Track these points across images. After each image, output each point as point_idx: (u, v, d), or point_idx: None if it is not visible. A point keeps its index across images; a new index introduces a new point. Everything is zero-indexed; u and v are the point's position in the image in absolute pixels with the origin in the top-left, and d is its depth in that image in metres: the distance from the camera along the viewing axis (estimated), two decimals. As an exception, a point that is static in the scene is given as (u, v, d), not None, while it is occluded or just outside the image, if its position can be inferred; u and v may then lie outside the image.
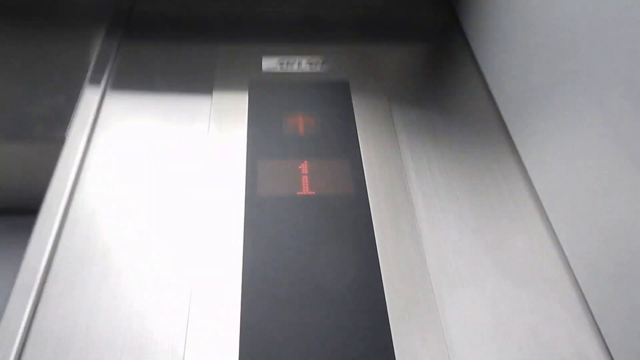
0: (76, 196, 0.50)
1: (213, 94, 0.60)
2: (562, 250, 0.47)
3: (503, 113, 0.58)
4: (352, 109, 0.59)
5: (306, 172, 0.52)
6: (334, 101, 0.60)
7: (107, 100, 0.59)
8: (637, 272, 0.38)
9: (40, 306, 0.43)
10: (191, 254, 0.46)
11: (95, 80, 0.61)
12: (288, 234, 0.48)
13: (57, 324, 0.42)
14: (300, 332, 0.42)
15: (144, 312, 0.43)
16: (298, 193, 0.51)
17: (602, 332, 0.42)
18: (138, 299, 0.43)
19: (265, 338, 0.41)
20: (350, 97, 0.61)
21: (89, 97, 0.59)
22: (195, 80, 0.62)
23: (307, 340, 0.41)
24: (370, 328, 0.42)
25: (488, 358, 0.41)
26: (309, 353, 0.41)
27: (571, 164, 0.45)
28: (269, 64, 0.64)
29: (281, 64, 0.64)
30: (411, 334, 0.42)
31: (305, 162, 0.53)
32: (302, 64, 0.64)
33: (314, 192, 0.51)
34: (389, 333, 0.42)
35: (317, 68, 0.64)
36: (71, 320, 0.42)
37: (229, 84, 0.62)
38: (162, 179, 0.52)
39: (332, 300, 0.43)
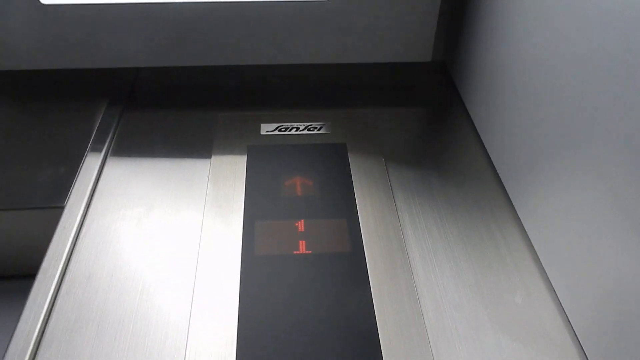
0: (73, 261, 0.50)
1: (212, 159, 0.62)
2: (561, 305, 0.46)
3: (500, 174, 0.59)
4: (350, 171, 0.60)
5: (303, 231, 0.53)
6: (331, 163, 0.61)
7: (107, 168, 0.61)
8: (636, 328, 0.37)
9: (32, 371, 0.42)
10: (187, 316, 0.46)
11: (97, 149, 0.63)
12: (284, 292, 0.47)
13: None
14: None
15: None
16: (295, 252, 0.51)
17: None
18: (132, 363, 0.43)
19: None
20: (348, 159, 0.62)
21: (90, 165, 0.61)
22: (194, 146, 0.64)
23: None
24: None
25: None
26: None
27: (568, 223, 0.45)
28: (268, 129, 0.66)
29: (280, 129, 0.66)
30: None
31: (302, 221, 0.53)
32: (300, 129, 0.66)
33: (310, 251, 0.51)
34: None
35: (315, 132, 0.66)
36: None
37: (228, 149, 0.63)
38: (159, 242, 0.52)
39: (328, 357, 0.43)
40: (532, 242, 0.52)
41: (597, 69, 0.40)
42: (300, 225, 0.53)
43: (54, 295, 0.47)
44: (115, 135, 0.65)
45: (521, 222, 0.54)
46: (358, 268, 0.49)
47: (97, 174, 0.59)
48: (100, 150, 0.63)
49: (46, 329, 0.45)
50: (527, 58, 0.51)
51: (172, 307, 0.47)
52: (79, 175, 0.59)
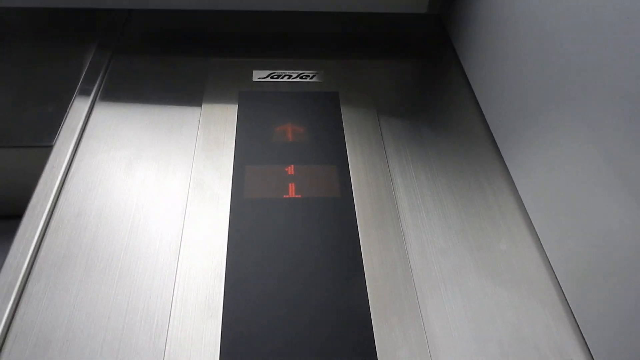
0: (62, 199, 0.50)
1: (203, 105, 0.61)
2: (545, 253, 0.47)
3: (491, 126, 0.59)
4: (341, 119, 0.60)
5: (293, 176, 0.53)
6: (323, 111, 0.61)
7: (96, 110, 0.60)
8: (615, 273, 0.38)
9: (21, 302, 0.42)
10: (174, 254, 0.46)
11: (86, 91, 0.62)
12: (272, 234, 0.48)
13: (38, 318, 0.42)
14: (283, 329, 0.41)
15: (125, 308, 0.42)
16: (284, 196, 0.51)
17: (581, 329, 0.42)
18: (120, 297, 0.43)
19: (248, 335, 0.41)
20: (340, 108, 0.61)
21: (79, 106, 0.60)
22: (185, 92, 0.63)
23: (289, 337, 0.41)
24: (353, 325, 0.42)
25: (469, 352, 0.41)
26: (291, 348, 0.40)
27: (555, 172, 0.45)
28: (260, 76, 0.65)
29: (272, 76, 0.65)
30: (392, 330, 0.42)
31: (292, 166, 0.54)
32: (292, 77, 0.65)
33: (300, 196, 0.51)
34: (371, 330, 0.41)
35: (308, 80, 0.65)
36: (52, 315, 0.42)
37: (219, 96, 0.62)
38: (148, 183, 0.52)
39: (316, 298, 0.43)
40: (519, 191, 0.52)
41: (590, 24, 0.39)
42: (290, 170, 0.53)
43: (42, 232, 0.47)
44: (105, 79, 0.65)
45: (509, 173, 0.54)
46: (347, 213, 0.50)
47: (86, 116, 0.59)
48: (89, 93, 0.62)
49: (35, 263, 0.45)
50: (522, 13, 0.51)
51: (160, 246, 0.47)
52: (68, 116, 0.59)
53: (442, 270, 0.46)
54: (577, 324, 0.43)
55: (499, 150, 0.57)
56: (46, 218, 0.48)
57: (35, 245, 0.46)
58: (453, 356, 0.41)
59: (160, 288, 0.44)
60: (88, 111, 0.59)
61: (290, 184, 0.52)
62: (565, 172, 0.44)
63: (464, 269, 0.46)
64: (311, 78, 0.65)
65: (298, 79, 0.65)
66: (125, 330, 0.41)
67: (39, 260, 0.45)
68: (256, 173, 0.53)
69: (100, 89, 0.63)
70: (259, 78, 0.65)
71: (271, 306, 0.43)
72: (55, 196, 0.50)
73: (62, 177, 0.52)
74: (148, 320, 0.42)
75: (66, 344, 0.40)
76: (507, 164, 0.55)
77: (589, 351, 0.41)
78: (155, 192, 0.51)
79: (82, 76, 0.64)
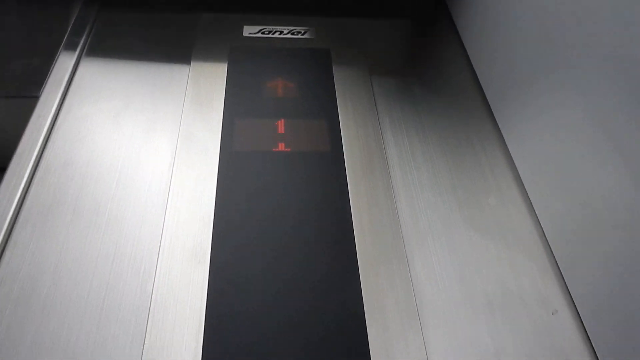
0: (48, 149, 0.49)
1: (192, 60, 0.60)
2: (533, 207, 0.47)
3: (483, 83, 0.59)
4: (332, 75, 0.59)
5: (283, 130, 0.52)
6: (314, 67, 0.60)
7: (83, 63, 0.59)
8: (601, 228, 0.38)
9: (7, 249, 0.42)
10: (162, 204, 0.46)
11: (72, 44, 0.61)
12: (261, 187, 0.47)
13: (24, 264, 0.41)
14: (270, 276, 0.42)
15: (112, 255, 0.42)
16: (274, 149, 0.51)
17: (566, 282, 0.43)
18: (107, 244, 0.43)
19: (235, 281, 0.41)
20: (331, 65, 0.61)
21: (65, 59, 0.59)
22: (174, 47, 0.62)
23: (276, 283, 0.41)
24: (340, 276, 0.42)
25: (455, 303, 0.41)
26: (279, 293, 0.40)
27: (547, 131, 0.45)
28: (251, 31, 0.64)
29: (263, 32, 0.64)
30: (379, 280, 0.42)
31: (282, 120, 0.53)
32: (284, 33, 0.65)
33: (289, 149, 0.51)
34: (358, 281, 0.42)
35: (299, 37, 0.64)
36: (39, 262, 0.42)
37: (209, 51, 0.61)
38: (136, 133, 0.52)
39: (303, 247, 0.43)
40: (509, 150, 0.52)
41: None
42: (280, 124, 0.53)
43: (28, 180, 0.47)
44: (92, 33, 0.63)
45: (501, 132, 0.54)
46: (336, 167, 0.49)
47: (72, 68, 0.58)
48: (76, 46, 0.61)
49: (20, 211, 0.45)
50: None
51: (148, 196, 0.47)
52: (54, 68, 0.58)
53: (430, 224, 0.46)
54: (562, 276, 0.43)
55: (492, 110, 0.56)
56: (32, 167, 0.48)
57: (21, 194, 0.46)
58: (439, 306, 0.41)
59: (148, 236, 0.44)
60: (75, 64, 0.58)
61: (280, 138, 0.51)
62: (557, 132, 0.44)
63: (452, 222, 0.46)
64: (303, 34, 0.65)
65: (289, 35, 0.64)
66: (113, 276, 0.41)
67: (25, 208, 0.45)
68: (246, 126, 0.52)
69: (87, 43, 0.61)
70: (250, 33, 0.64)
71: (259, 254, 0.43)
72: (41, 146, 0.49)
73: (49, 127, 0.51)
74: (135, 266, 0.42)
75: (53, 287, 0.40)
76: (499, 124, 0.55)
77: (574, 303, 0.42)
78: (143, 144, 0.51)
79: (69, 29, 0.63)
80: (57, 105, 0.53)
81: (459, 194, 0.48)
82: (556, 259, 0.44)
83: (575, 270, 0.42)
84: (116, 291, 0.40)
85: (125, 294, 0.40)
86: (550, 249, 0.45)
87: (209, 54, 0.61)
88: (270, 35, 0.64)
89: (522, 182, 0.50)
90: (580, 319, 0.41)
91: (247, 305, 0.40)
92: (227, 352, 0.38)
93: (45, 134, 0.50)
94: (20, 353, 0.37)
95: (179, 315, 0.39)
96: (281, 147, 0.51)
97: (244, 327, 0.39)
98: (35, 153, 0.48)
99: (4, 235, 0.43)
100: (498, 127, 0.55)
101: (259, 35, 0.64)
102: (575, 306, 0.41)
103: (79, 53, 0.60)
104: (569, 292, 0.42)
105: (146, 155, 0.50)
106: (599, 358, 0.39)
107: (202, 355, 0.37)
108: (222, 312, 0.40)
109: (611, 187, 0.37)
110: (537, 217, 0.47)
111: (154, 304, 0.39)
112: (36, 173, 0.47)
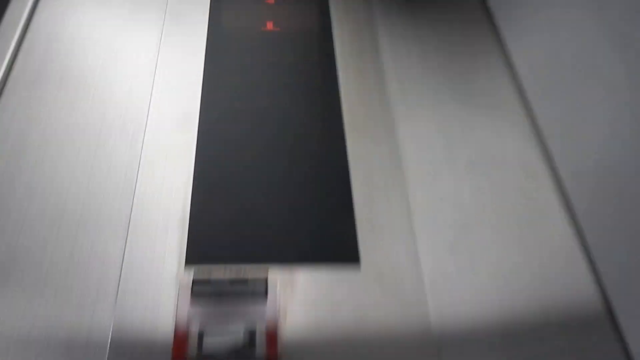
0: (33, 24, 0.49)
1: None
2: (521, 81, 0.47)
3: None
4: None
5: (272, 7, 0.52)
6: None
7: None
8: (585, 97, 0.39)
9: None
10: (150, 74, 0.46)
11: None
12: (249, 67, 0.47)
13: (12, 128, 0.42)
14: (259, 140, 0.42)
15: (100, 120, 0.42)
16: (263, 29, 0.50)
17: (548, 146, 0.43)
18: (95, 110, 0.43)
19: (222, 146, 0.42)
20: None
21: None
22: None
23: (264, 148, 0.42)
24: (326, 140, 0.43)
25: (439, 165, 0.42)
26: (264, 155, 0.41)
27: (548, 28, 0.45)
28: None
29: None
30: (366, 146, 0.43)
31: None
32: None
33: (279, 29, 0.50)
34: (344, 141, 0.43)
35: None
36: (26, 126, 0.42)
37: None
38: (123, 13, 0.50)
39: (290, 116, 0.44)
40: (501, 30, 0.52)
41: None
42: (270, 1, 0.52)
43: (14, 53, 0.46)
44: None
45: (495, 19, 0.53)
46: (325, 45, 0.49)
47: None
48: None
49: (7, 81, 0.45)
50: None
51: (136, 68, 0.46)
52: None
53: (418, 97, 0.46)
54: (544, 141, 0.44)
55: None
56: (18, 40, 0.47)
57: (7, 65, 0.45)
58: (423, 168, 0.42)
59: (137, 103, 0.44)
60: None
61: (269, 17, 0.51)
62: (559, 33, 0.44)
63: (440, 95, 0.46)
64: None
65: None
66: (101, 137, 0.41)
67: (12, 77, 0.45)
68: (235, 4, 0.52)
69: None
70: None
71: (247, 122, 0.43)
72: (26, 21, 0.49)
73: (33, 3, 0.50)
74: (124, 130, 0.42)
75: (42, 148, 0.40)
76: (497, 19, 0.54)
77: (554, 169, 0.42)
78: (130, 21, 0.50)
79: None
80: None
81: (449, 71, 0.48)
82: (538, 123, 0.44)
83: (556, 133, 0.42)
84: (105, 151, 0.41)
85: (115, 154, 0.41)
86: (536, 117, 0.45)
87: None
88: None
89: (513, 60, 0.50)
90: (559, 182, 0.42)
91: (234, 161, 0.41)
92: (214, 202, 0.39)
93: (29, 10, 0.49)
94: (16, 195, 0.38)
95: (168, 172, 0.40)
96: (270, 26, 0.50)
97: (232, 182, 0.40)
98: (19, 28, 0.48)
99: (-8, 100, 0.43)
100: (493, 22, 0.54)
101: None
102: (553, 170, 0.42)
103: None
104: (551, 158, 0.43)
105: (134, 31, 0.49)
106: (576, 213, 0.40)
107: (191, 204, 0.38)
108: (210, 168, 0.40)
109: (602, 73, 0.37)
110: (524, 87, 0.47)
111: (144, 160, 0.40)
112: (22, 46, 0.47)
